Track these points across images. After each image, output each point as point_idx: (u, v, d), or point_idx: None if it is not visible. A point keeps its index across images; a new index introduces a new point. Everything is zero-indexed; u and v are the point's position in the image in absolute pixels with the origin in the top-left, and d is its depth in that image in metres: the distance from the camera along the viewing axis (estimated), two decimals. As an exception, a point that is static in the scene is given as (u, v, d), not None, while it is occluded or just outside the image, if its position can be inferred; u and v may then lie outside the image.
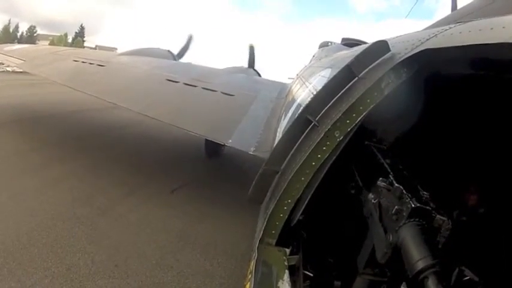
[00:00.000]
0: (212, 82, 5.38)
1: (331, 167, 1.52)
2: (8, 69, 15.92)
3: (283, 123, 3.01)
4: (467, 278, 1.55)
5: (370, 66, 1.57)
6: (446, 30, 1.39)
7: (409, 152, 1.74)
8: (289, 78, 7.99)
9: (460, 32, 1.25)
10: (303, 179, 1.52)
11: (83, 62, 6.52)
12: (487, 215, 1.62)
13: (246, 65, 9.86)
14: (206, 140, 6.26)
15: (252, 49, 10.29)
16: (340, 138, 1.48)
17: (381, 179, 1.35)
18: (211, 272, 3.43)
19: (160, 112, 4.51)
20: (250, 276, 1.37)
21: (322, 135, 1.50)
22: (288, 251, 1.56)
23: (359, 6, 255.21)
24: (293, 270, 1.50)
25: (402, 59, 1.44)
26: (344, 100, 1.54)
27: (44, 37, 58.37)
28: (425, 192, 1.24)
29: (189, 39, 10.04)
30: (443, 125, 1.72)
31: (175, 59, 8.83)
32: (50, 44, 39.30)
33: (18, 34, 56.72)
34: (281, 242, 1.55)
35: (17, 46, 9.81)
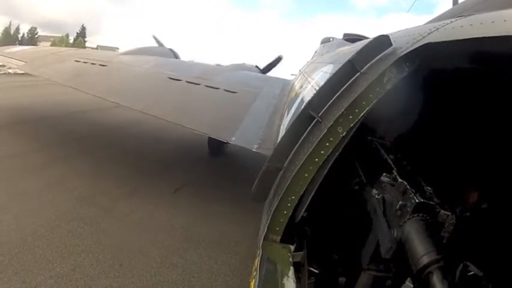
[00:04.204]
0: (214, 80, 5.39)
1: (334, 163, 1.51)
2: (10, 71, 15.97)
3: (286, 120, 3.00)
4: (472, 273, 1.54)
5: (372, 61, 1.56)
6: (447, 24, 1.38)
7: (413, 147, 1.73)
8: (291, 74, 7.98)
9: (462, 26, 1.24)
10: (306, 175, 1.51)
11: (85, 62, 6.53)
12: (490, 210, 1.61)
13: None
14: (209, 137, 6.27)
15: (278, 59, 10.75)
16: (343, 134, 1.47)
17: (384, 174, 1.35)
18: (216, 270, 3.44)
19: (163, 111, 4.52)
20: (255, 273, 1.37)
21: (325, 131, 1.49)
22: (292, 247, 1.55)
23: (360, 1, 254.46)
24: (298, 267, 1.50)
25: (404, 53, 1.42)
26: (346, 95, 1.53)
27: (45, 38, 58.29)
28: (429, 188, 1.23)
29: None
30: (446, 120, 1.71)
31: (176, 57, 8.83)
32: (51, 45, 39.32)
33: (19, 36, 56.72)
34: (285, 239, 1.55)
35: (18, 48, 9.83)
